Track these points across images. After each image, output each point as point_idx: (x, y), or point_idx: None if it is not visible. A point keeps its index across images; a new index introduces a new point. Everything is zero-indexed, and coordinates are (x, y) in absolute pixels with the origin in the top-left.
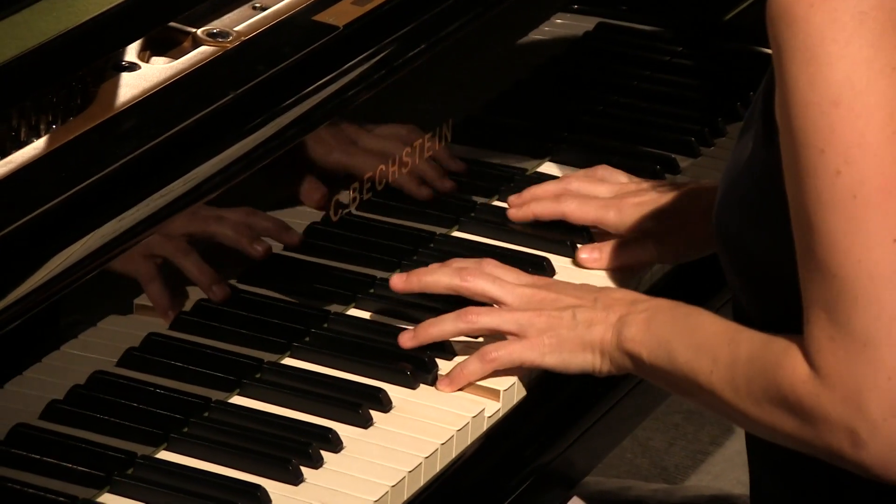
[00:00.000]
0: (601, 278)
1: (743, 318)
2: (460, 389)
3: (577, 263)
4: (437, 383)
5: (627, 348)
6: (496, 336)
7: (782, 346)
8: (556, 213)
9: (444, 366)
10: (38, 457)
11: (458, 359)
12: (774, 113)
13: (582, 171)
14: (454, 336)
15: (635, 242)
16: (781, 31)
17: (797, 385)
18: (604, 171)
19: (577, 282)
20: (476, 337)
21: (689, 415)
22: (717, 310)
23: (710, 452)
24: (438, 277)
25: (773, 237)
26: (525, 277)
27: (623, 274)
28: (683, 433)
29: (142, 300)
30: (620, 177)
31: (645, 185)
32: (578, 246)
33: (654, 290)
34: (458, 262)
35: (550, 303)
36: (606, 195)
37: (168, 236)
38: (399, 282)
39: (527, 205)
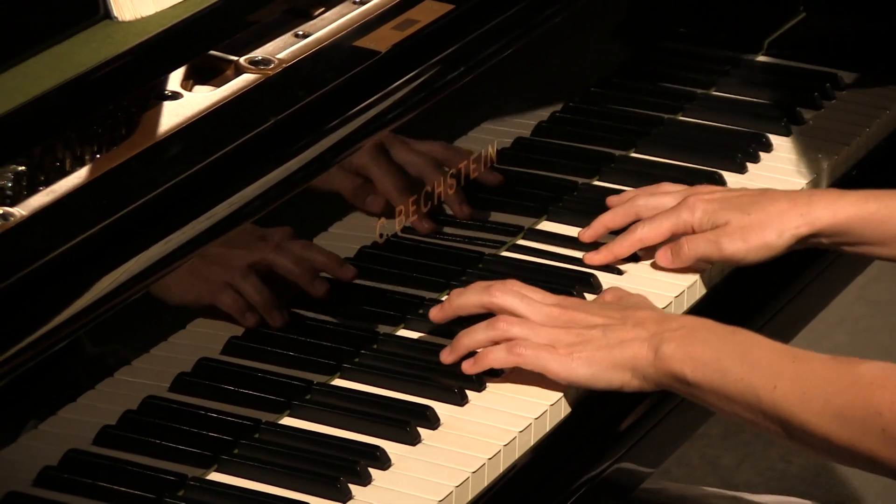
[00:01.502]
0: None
1: None
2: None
3: (654, 265)
4: (462, 365)
5: (667, 366)
6: None
7: (869, 365)
8: (634, 243)
9: (491, 385)
10: (91, 481)
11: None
12: None
13: (647, 188)
14: (486, 344)
15: (702, 239)
16: None
17: None
18: (667, 186)
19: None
20: None
21: (758, 433)
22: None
23: (779, 469)
24: (468, 297)
25: None
26: (551, 297)
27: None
28: (752, 451)
29: (196, 325)
30: (681, 187)
31: (713, 186)
32: (620, 267)
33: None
34: (484, 283)
35: (578, 321)
36: (672, 202)
37: (227, 263)
38: (436, 312)
39: (606, 249)
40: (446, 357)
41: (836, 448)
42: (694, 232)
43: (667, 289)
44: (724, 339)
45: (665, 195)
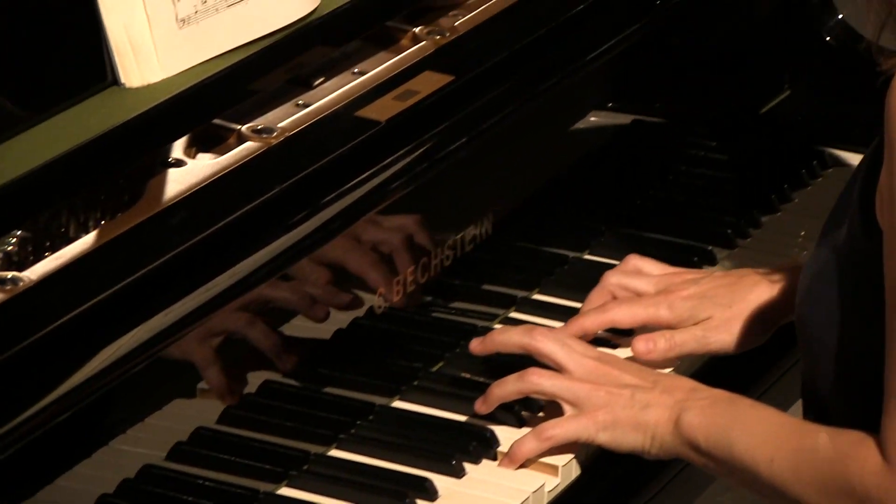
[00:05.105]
0: None
1: (817, 409)
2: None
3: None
4: (499, 462)
5: (684, 433)
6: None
7: (855, 437)
8: (606, 322)
9: (487, 458)
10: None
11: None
12: (874, 204)
13: (615, 268)
14: (518, 397)
15: (688, 333)
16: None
17: (866, 476)
18: (635, 261)
19: None
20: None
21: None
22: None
23: None
24: (510, 336)
25: (862, 331)
26: (592, 350)
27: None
28: None
29: (206, 384)
30: (652, 267)
31: (687, 275)
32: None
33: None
34: (529, 326)
35: (611, 378)
36: (647, 288)
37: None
38: (477, 344)
39: (575, 321)
40: (480, 407)
41: None
42: (670, 327)
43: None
44: (740, 410)
45: (638, 277)
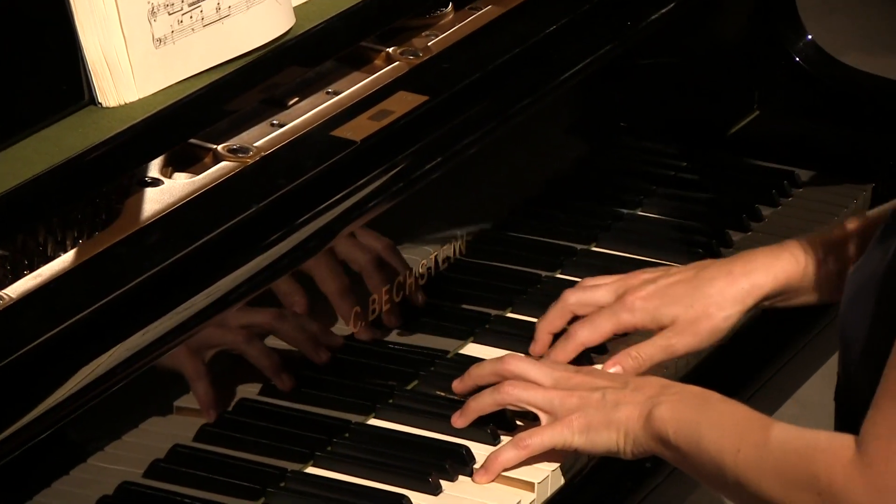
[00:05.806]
0: None
1: (849, 412)
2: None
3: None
4: (474, 475)
5: (654, 427)
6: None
7: (828, 433)
8: (576, 349)
9: (463, 476)
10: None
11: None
12: None
13: (573, 288)
14: (495, 409)
15: (652, 346)
16: None
17: (835, 467)
18: (590, 280)
19: None
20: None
21: None
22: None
23: None
24: (484, 367)
25: None
26: (561, 365)
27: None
28: None
29: (182, 402)
30: (607, 279)
31: (644, 275)
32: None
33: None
34: (489, 365)
35: (583, 384)
36: (606, 297)
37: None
38: (458, 385)
39: (547, 355)
40: (457, 421)
41: None
42: (636, 330)
43: None
44: (709, 404)
45: (595, 289)
